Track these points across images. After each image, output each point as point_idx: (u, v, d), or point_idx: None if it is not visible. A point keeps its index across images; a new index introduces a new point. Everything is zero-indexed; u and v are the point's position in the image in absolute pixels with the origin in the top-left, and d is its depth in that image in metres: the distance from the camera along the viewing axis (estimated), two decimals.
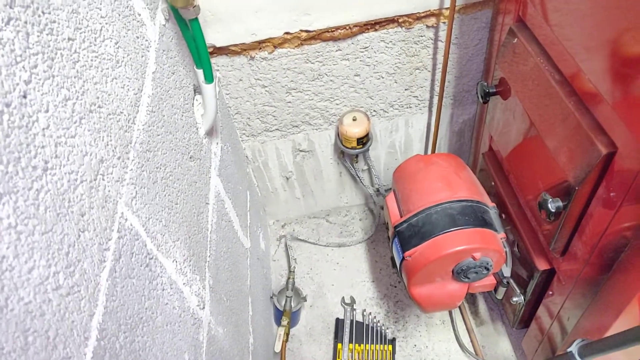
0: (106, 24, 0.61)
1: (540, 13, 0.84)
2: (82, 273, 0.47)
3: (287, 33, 1.11)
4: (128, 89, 0.64)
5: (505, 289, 1.08)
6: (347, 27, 1.12)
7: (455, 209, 1.02)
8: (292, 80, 1.22)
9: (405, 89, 1.31)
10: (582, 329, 0.91)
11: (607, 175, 0.73)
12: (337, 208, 1.72)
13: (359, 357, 1.38)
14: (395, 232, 1.08)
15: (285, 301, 1.44)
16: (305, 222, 1.72)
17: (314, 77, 1.22)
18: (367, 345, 1.39)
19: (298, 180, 1.56)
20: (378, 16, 1.11)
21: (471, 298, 1.47)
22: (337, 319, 1.46)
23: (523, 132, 0.97)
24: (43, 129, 0.44)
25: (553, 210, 0.83)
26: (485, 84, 1.06)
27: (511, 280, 1.09)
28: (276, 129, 1.36)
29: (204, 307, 0.82)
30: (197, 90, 0.97)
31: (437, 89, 1.31)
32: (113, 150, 0.57)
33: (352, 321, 1.44)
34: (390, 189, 1.27)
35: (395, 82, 1.28)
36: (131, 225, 0.59)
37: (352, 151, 1.36)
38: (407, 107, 1.37)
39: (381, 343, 1.40)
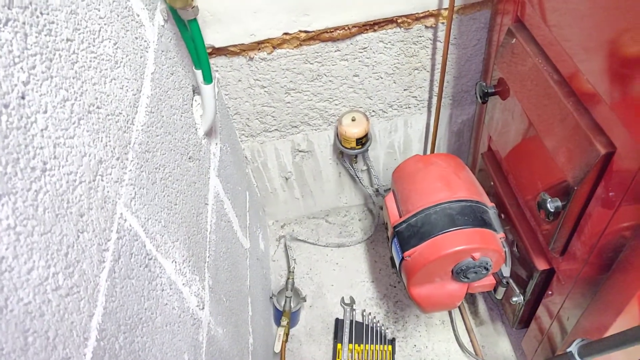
0: (105, 24, 0.61)
1: (539, 13, 0.84)
2: (82, 274, 0.47)
3: (286, 34, 1.11)
4: (127, 90, 0.64)
5: (504, 289, 1.08)
6: (346, 28, 1.12)
7: (454, 209, 1.02)
8: (291, 81, 1.22)
9: (404, 90, 1.31)
10: (581, 329, 0.91)
11: (605, 175, 0.73)
12: (336, 208, 1.72)
13: (358, 357, 1.38)
14: (394, 232, 1.08)
15: (285, 301, 1.44)
16: (304, 222, 1.72)
17: (313, 77, 1.23)
18: (366, 345, 1.40)
19: (297, 180, 1.56)
20: (377, 17, 1.11)
21: (471, 298, 1.47)
22: (337, 319, 1.46)
23: (522, 132, 0.97)
24: (42, 129, 0.44)
25: (552, 210, 0.83)
26: (484, 84, 1.07)
27: (510, 280, 1.09)
28: (275, 130, 1.36)
29: (203, 308, 0.82)
30: (196, 90, 0.97)
31: (436, 89, 1.31)
32: (112, 151, 0.57)
33: (351, 321, 1.44)
34: (390, 189, 1.27)
35: (394, 83, 1.29)
36: (130, 225, 0.59)
37: (351, 151, 1.36)
38: (406, 108, 1.37)
39: (381, 343, 1.40)
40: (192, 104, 0.94)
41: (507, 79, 0.98)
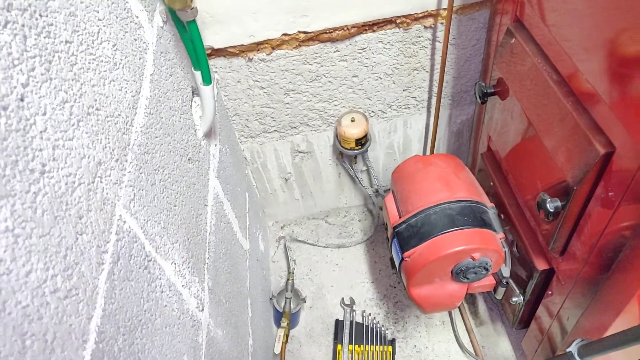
0: (104, 26, 0.61)
1: (538, 13, 0.84)
2: (80, 276, 0.47)
3: (285, 34, 1.11)
4: (126, 91, 0.64)
5: (504, 289, 1.08)
6: (345, 28, 1.12)
7: (454, 209, 1.02)
8: (290, 82, 1.22)
9: (404, 90, 1.31)
10: (581, 329, 0.91)
11: (605, 175, 0.73)
12: (336, 209, 1.72)
13: (358, 358, 1.38)
14: (394, 233, 1.07)
15: (285, 302, 1.44)
16: (304, 223, 1.72)
17: (312, 78, 1.22)
18: (366, 346, 1.39)
19: (297, 181, 1.56)
20: (376, 17, 1.11)
21: (471, 298, 1.47)
22: (337, 320, 1.46)
23: (521, 132, 0.97)
24: (41, 131, 0.44)
25: (552, 210, 0.83)
26: (483, 84, 1.07)
27: (510, 281, 1.09)
28: (275, 130, 1.36)
29: (203, 309, 0.82)
30: (195, 92, 0.97)
31: (435, 89, 1.31)
32: (111, 153, 0.57)
33: (351, 322, 1.44)
34: (389, 189, 1.27)
35: (394, 83, 1.29)
36: (129, 227, 0.59)
37: (351, 152, 1.36)
38: (406, 108, 1.37)
39: (381, 344, 1.40)
40: (191, 105, 0.94)
41: (506, 79, 0.98)
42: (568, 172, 0.78)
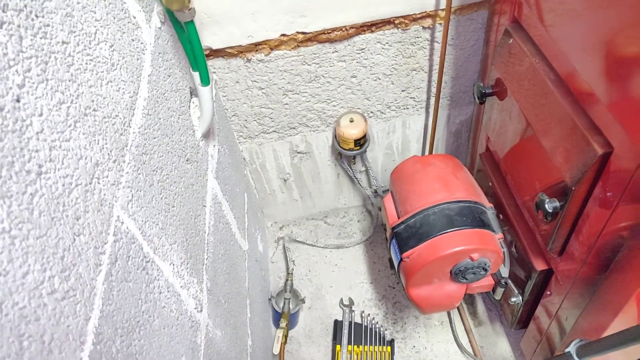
0: (101, 27, 0.61)
1: (536, 14, 0.84)
2: (78, 277, 0.46)
3: (283, 35, 1.11)
4: (123, 92, 0.64)
5: (503, 289, 1.08)
6: (344, 29, 1.12)
7: (452, 209, 1.02)
8: (288, 82, 1.22)
9: (402, 90, 1.31)
10: (580, 329, 0.91)
11: (603, 175, 0.73)
12: (335, 209, 1.72)
13: (357, 359, 1.38)
14: (393, 234, 1.07)
15: (284, 303, 1.44)
16: (303, 223, 1.72)
17: (310, 78, 1.22)
18: (365, 346, 1.39)
19: (296, 182, 1.56)
20: (374, 17, 1.11)
21: (469, 299, 1.47)
22: (336, 321, 1.46)
23: (519, 132, 0.97)
24: (37, 132, 0.44)
25: (550, 211, 0.83)
26: (482, 84, 1.07)
27: (509, 281, 1.09)
28: (273, 131, 1.36)
29: (201, 310, 0.82)
30: (193, 92, 0.97)
31: (433, 90, 1.31)
32: (108, 154, 0.57)
33: (350, 323, 1.44)
34: (388, 190, 1.27)
35: (392, 84, 1.29)
36: (127, 228, 0.59)
37: (350, 152, 1.36)
38: (404, 109, 1.37)
39: (380, 344, 1.40)
40: (189, 106, 0.94)
41: (504, 79, 0.98)
42: (566, 172, 0.78)
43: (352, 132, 1.30)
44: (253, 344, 1.17)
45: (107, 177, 0.56)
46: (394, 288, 1.52)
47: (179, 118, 0.86)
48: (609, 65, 0.67)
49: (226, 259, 1.03)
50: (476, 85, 1.07)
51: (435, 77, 1.28)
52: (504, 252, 1.03)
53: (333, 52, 1.17)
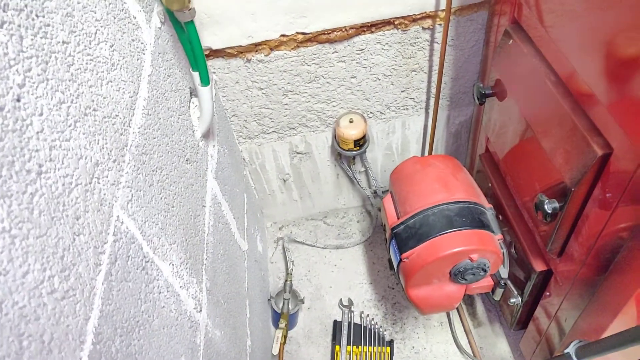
0: (101, 27, 0.61)
1: (535, 14, 0.84)
2: (78, 277, 0.46)
3: (283, 35, 1.11)
4: (123, 92, 0.64)
5: (502, 290, 1.08)
6: (343, 29, 1.12)
7: (452, 210, 1.02)
8: (288, 83, 1.22)
9: (402, 91, 1.31)
10: (579, 330, 0.91)
11: (602, 176, 0.73)
12: (334, 210, 1.72)
13: (356, 359, 1.38)
14: (392, 234, 1.07)
15: (283, 303, 1.43)
16: (302, 224, 1.72)
17: (310, 79, 1.23)
18: (365, 347, 1.39)
19: (295, 182, 1.56)
20: (374, 18, 1.11)
21: (469, 299, 1.47)
22: (335, 321, 1.46)
23: (519, 133, 0.97)
24: (37, 132, 0.44)
25: (549, 212, 0.83)
26: (481, 85, 1.07)
27: (508, 282, 1.09)
28: (273, 131, 1.36)
29: (200, 310, 0.82)
30: (193, 92, 0.97)
31: (433, 90, 1.32)
32: (108, 154, 0.57)
33: (350, 323, 1.44)
34: (388, 190, 1.27)
35: (392, 84, 1.29)
36: (127, 228, 0.59)
37: (349, 153, 1.36)
38: (404, 109, 1.37)
39: (379, 345, 1.40)
40: (189, 106, 0.94)
41: (504, 80, 0.98)
42: (566, 173, 0.78)
43: (351, 132, 1.30)
44: (252, 344, 1.17)
45: (107, 176, 0.56)
46: (393, 289, 1.52)
47: (178, 118, 0.86)
48: (609, 66, 0.67)
49: (225, 259, 1.03)
50: (476, 86, 1.08)
51: (435, 77, 1.28)
52: (503, 252, 1.03)
53: (333, 53, 1.17)
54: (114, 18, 0.65)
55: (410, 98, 1.34)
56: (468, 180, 1.11)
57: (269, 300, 1.47)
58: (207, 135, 1.02)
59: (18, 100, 0.42)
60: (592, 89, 0.71)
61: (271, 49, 1.14)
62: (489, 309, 1.44)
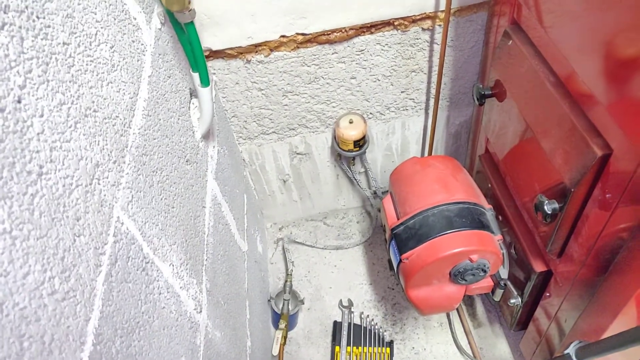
0: (101, 28, 0.61)
1: (535, 15, 0.85)
2: (78, 278, 0.47)
3: (283, 36, 1.11)
4: (124, 93, 0.64)
5: (502, 291, 1.08)
6: (343, 30, 1.12)
7: (452, 211, 1.02)
8: (288, 83, 1.22)
9: (402, 92, 1.31)
10: (579, 331, 0.91)
11: (602, 177, 0.73)
12: (334, 211, 1.72)
13: None
14: (392, 235, 1.08)
15: (283, 304, 1.44)
16: (302, 224, 1.72)
17: (310, 80, 1.23)
18: (364, 348, 1.39)
19: (295, 183, 1.56)
20: (374, 19, 1.11)
21: (469, 300, 1.47)
22: (335, 322, 1.46)
23: (519, 134, 0.97)
24: (38, 133, 0.44)
25: (549, 212, 0.83)
26: (481, 86, 1.07)
27: (508, 282, 1.09)
28: (273, 132, 1.36)
29: (201, 311, 0.82)
30: (193, 93, 0.97)
31: (433, 91, 1.32)
32: (109, 155, 0.57)
33: (349, 324, 1.44)
34: (387, 191, 1.27)
35: (392, 85, 1.29)
36: (127, 229, 0.59)
37: (349, 154, 1.36)
38: (404, 110, 1.37)
39: (379, 346, 1.40)
40: (189, 107, 0.94)
41: (503, 81, 0.98)
42: (565, 174, 0.79)
43: (351, 133, 1.30)
44: (252, 345, 1.17)
45: (107, 177, 0.56)
46: (393, 289, 1.53)
47: (178, 119, 0.86)
48: (608, 67, 0.67)
49: (225, 260, 1.03)
50: (475, 87, 1.08)
51: (434, 78, 1.29)
52: (503, 253, 1.03)
53: (332, 54, 1.17)
54: (114, 19, 0.65)
55: (410, 99, 1.34)
56: (468, 181, 1.11)
57: (268, 301, 1.47)
58: (207, 136, 1.02)
59: (19, 101, 0.42)
60: (591, 89, 0.71)
61: (271, 50, 1.14)
62: (489, 309, 1.44)
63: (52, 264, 0.43)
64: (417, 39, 1.18)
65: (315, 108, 1.31)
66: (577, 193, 0.77)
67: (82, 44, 0.55)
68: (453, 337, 1.40)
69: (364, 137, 1.33)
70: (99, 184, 0.54)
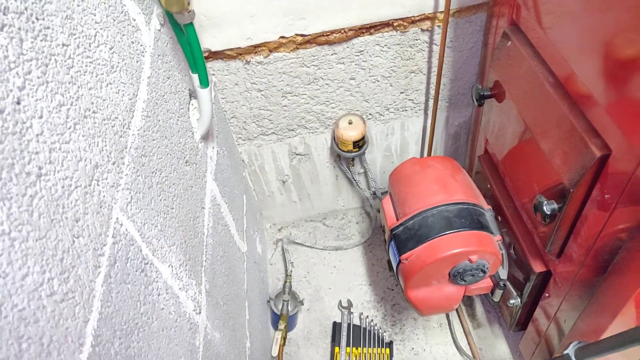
0: (101, 29, 0.61)
1: (534, 16, 0.85)
2: (77, 279, 0.46)
3: (282, 37, 1.11)
4: (123, 94, 0.64)
5: (501, 291, 1.08)
6: (343, 31, 1.13)
7: (451, 211, 1.02)
8: (287, 84, 1.22)
9: (401, 92, 1.31)
10: (578, 331, 0.91)
11: (601, 177, 0.73)
12: (333, 211, 1.72)
13: None
14: (391, 235, 1.08)
15: (282, 305, 1.44)
16: (302, 225, 1.72)
17: (309, 80, 1.23)
18: (364, 348, 1.39)
19: (294, 183, 1.56)
20: (373, 20, 1.12)
21: (468, 301, 1.47)
22: (335, 323, 1.46)
23: (518, 134, 0.97)
24: (37, 135, 0.44)
25: (548, 213, 0.83)
26: (480, 86, 1.07)
27: (507, 283, 1.09)
28: (272, 133, 1.36)
29: (200, 312, 0.82)
30: (192, 94, 0.97)
31: (432, 92, 1.32)
32: (108, 156, 0.57)
33: (349, 324, 1.44)
34: (387, 192, 1.28)
35: (391, 86, 1.29)
36: (126, 230, 0.59)
37: (348, 154, 1.36)
38: (403, 110, 1.37)
39: (378, 346, 1.40)
40: (188, 108, 0.94)
41: (502, 82, 0.98)
42: (564, 174, 0.79)
43: (350, 134, 1.30)
44: (252, 346, 1.17)
45: (106, 179, 0.56)
46: (392, 290, 1.53)
47: (178, 120, 0.86)
48: (607, 68, 0.67)
49: (225, 261, 1.03)
50: (474, 88, 1.08)
51: (433, 79, 1.29)
52: (502, 254, 1.03)
53: (332, 54, 1.18)
54: (114, 20, 0.65)
55: (409, 99, 1.34)
56: (467, 182, 1.11)
57: (268, 301, 1.47)
58: (206, 137, 1.02)
59: (18, 102, 0.42)
60: (590, 90, 0.71)
61: (270, 51, 1.14)
62: (488, 310, 1.44)
63: (51, 265, 0.43)
64: (417, 39, 1.18)
65: (315, 109, 1.31)
66: (576, 193, 0.77)
67: (82, 45, 0.55)
68: (452, 337, 1.40)
69: (363, 138, 1.33)
70: (98, 185, 0.54)
